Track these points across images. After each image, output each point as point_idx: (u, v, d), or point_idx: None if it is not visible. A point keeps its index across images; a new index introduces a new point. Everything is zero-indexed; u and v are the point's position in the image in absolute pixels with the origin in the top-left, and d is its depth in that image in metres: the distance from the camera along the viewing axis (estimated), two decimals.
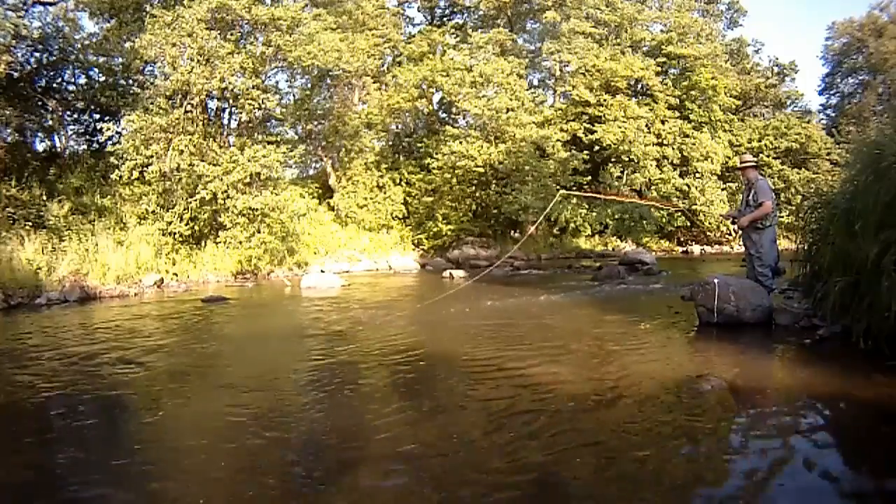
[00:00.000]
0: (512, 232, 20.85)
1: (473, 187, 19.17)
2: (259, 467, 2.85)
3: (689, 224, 22.58)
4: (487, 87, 19.51)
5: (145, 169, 12.36)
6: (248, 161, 12.87)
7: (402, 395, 4.14)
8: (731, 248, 21.93)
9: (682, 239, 23.54)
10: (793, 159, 25.78)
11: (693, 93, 23.90)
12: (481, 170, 18.39)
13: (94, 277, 10.44)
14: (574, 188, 18.70)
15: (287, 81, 19.14)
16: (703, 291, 5.82)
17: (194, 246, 13.17)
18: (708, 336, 5.54)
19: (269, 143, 14.04)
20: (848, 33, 33.28)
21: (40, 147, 15.19)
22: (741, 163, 6.75)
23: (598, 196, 18.90)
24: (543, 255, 19.06)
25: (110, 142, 14.02)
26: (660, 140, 22.67)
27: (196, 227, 13.20)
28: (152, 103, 12.81)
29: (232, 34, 13.81)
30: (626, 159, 22.16)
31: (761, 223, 6.24)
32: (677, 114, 23.60)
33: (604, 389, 3.89)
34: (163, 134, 12.59)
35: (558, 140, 20.30)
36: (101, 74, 15.24)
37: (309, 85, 18.99)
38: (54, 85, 14.67)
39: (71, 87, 15.10)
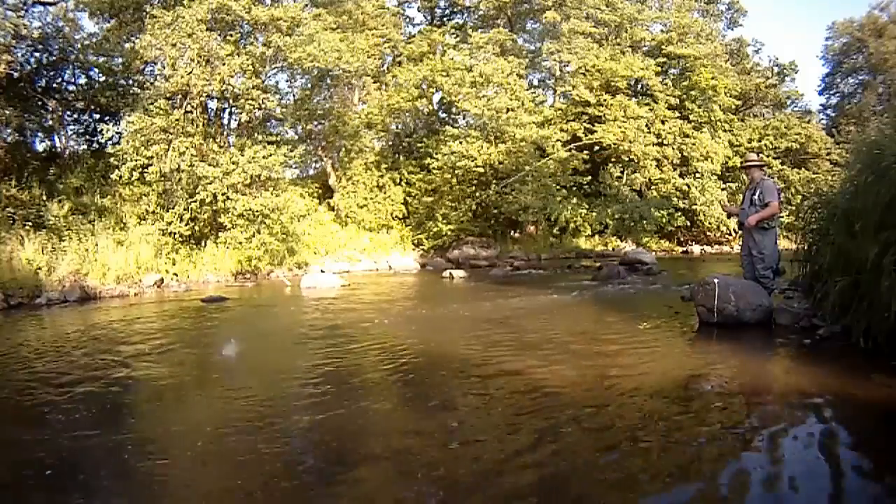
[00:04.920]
0: (512, 232, 20.86)
1: (473, 187, 19.18)
2: (259, 466, 2.85)
3: (689, 224, 22.57)
4: (487, 87, 19.51)
5: (145, 170, 12.36)
6: (249, 163, 12.87)
7: (402, 394, 4.14)
8: (731, 248, 21.92)
9: (682, 239, 23.52)
10: (793, 159, 25.77)
11: (693, 93, 23.90)
12: (481, 170, 18.39)
13: (94, 277, 10.44)
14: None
15: (287, 81, 19.16)
16: (703, 291, 5.82)
17: (194, 246, 13.17)
18: (708, 336, 5.54)
19: (269, 143, 14.03)
20: (848, 33, 33.27)
21: (40, 147, 15.19)
22: (746, 161, 6.74)
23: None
24: (543, 254, 19.05)
25: (110, 142, 14.02)
26: (660, 140, 22.66)
27: (196, 228, 13.20)
28: (152, 104, 12.81)
29: (232, 35, 13.81)
30: (626, 159, 22.16)
31: (767, 223, 6.22)
32: (677, 114, 23.59)
33: (603, 389, 3.89)
34: (163, 135, 12.59)
35: (558, 140, 20.30)
36: (101, 74, 15.21)
37: (309, 85, 18.98)
38: (54, 85, 14.65)
39: (71, 87, 15.08)
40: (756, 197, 6.23)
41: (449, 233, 18.52)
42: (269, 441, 3.15)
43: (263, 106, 13.96)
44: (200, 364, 5.04)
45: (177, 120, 12.87)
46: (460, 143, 18.41)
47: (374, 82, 21.82)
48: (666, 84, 23.94)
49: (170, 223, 12.72)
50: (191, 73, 12.60)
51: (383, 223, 19.04)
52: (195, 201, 12.70)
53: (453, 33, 24.07)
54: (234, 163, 12.83)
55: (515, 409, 3.57)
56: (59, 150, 15.17)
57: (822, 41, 41.04)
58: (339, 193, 19.05)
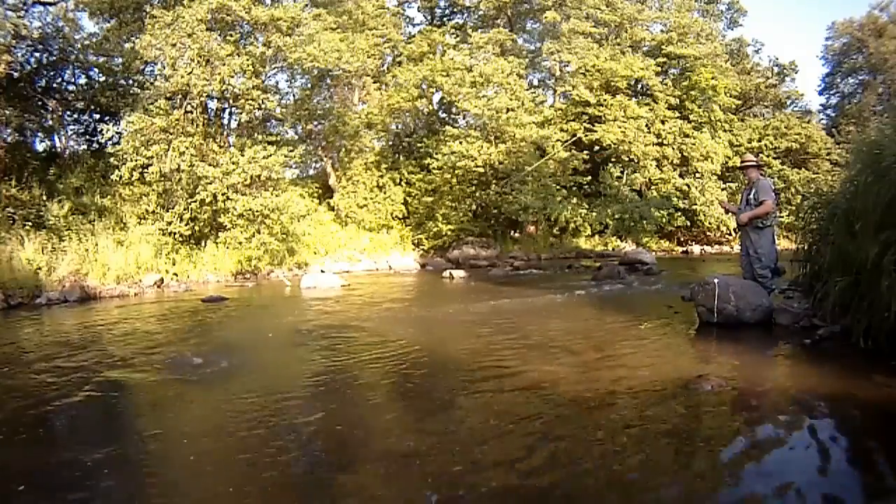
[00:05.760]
0: (512, 232, 20.86)
1: (473, 187, 19.18)
2: (259, 467, 2.85)
3: (689, 224, 22.57)
4: (487, 87, 19.50)
5: (145, 170, 12.36)
6: (249, 163, 12.87)
7: (402, 394, 4.14)
8: (731, 248, 21.92)
9: (682, 239, 23.52)
10: (793, 159, 25.77)
11: (693, 93, 23.89)
12: (481, 170, 18.39)
13: (94, 277, 10.44)
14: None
15: (287, 81, 19.16)
16: (703, 291, 5.82)
17: (194, 246, 13.17)
18: (708, 336, 5.54)
19: (269, 143, 14.03)
20: (848, 33, 33.26)
21: (40, 147, 15.21)
22: (743, 162, 6.78)
23: None
24: (543, 254, 19.05)
25: (110, 142, 14.02)
26: (660, 140, 22.65)
27: (196, 228, 13.20)
28: (152, 104, 12.81)
29: (232, 35, 13.81)
30: (626, 159, 22.15)
31: (762, 222, 6.23)
32: (677, 114, 23.58)
33: (603, 389, 3.89)
34: (163, 135, 12.59)
35: (558, 140, 20.29)
36: (101, 74, 15.23)
37: (309, 85, 18.98)
38: (54, 85, 14.66)
39: (71, 87, 15.09)
40: (751, 196, 6.26)
41: (449, 233, 18.51)
42: (267, 443, 3.15)
43: (263, 106, 13.96)
44: (199, 364, 5.02)
45: (177, 120, 12.86)
46: (460, 143, 18.39)
47: (374, 82, 21.80)
48: (666, 84, 23.93)
49: (170, 223, 12.72)
50: (191, 73, 12.59)
51: (383, 223, 19.03)
52: (195, 201, 12.69)
53: (453, 33, 24.04)
54: (234, 163, 12.83)
55: (516, 410, 3.57)
56: (59, 150, 15.18)
57: (822, 41, 41.12)
58: (339, 193, 19.04)
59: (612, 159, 22.37)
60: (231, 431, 3.32)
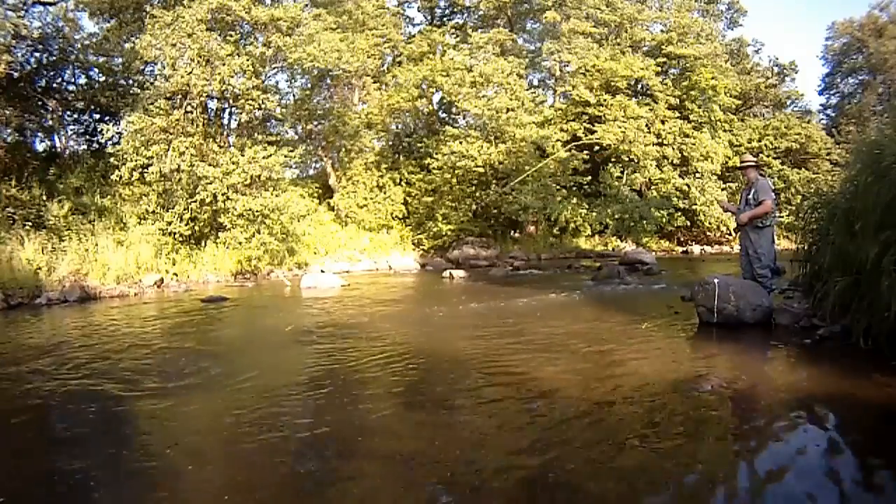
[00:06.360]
0: (512, 232, 20.86)
1: (473, 187, 19.18)
2: (260, 467, 2.85)
3: (689, 224, 22.57)
4: (487, 87, 19.51)
5: (145, 170, 12.36)
6: (249, 163, 12.87)
7: (401, 394, 4.14)
8: (731, 248, 21.90)
9: (682, 239, 23.51)
10: (793, 159, 25.76)
11: (693, 93, 23.87)
12: (481, 170, 18.39)
13: (94, 277, 10.44)
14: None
15: (287, 81, 19.18)
16: (703, 291, 5.82)
17: (194, 246, 13.17)
18: (708, 336, 5.53)
19: (269, 143, 14.04)
20: (848, 33, 33.24)
21: (40, 147, 15.22)
22: (742, 162, 6.79)
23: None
24: (543, 254, 19.06)
25: (110, 142, 14.03)
26: (660, 140, 22.64)
27: (196, 228, 13.21)
28: (152, 104, 12.81)
29: (232, 35, 13.82)
30: (626, 159, 22.15)
31: (761, 222, 6.24)
32: (677, 114, 23.56)
33: (603, 389, 3.89)
34: (163, 135, 12.60)
35: (558, 140, 20.29)
36: (101, 74, 15.25)
37: (309, 85, 19.00)
38: (54, 85, 14.67)
39: (71, 87, 15.10)
40: (751, 196, 6.28)
41: (449, 233, 18.52)
42: (268, 442, 3.15)
43: (263, 106, 13.97)
44: (199, 364, 5.02)
45: (177, 120, 12.87)
46: (460, 143, 18.40)
47: (374, 82, 21.81)
48: (666, 84, 23.91)
49: (170, 223, 12.72)
50: (191, 73, 12.60)
51: (383, 223, 19.04)
52: (195, 201, 12.70)
53: (453, 33, 24.05)
54: (234, 163, 12.84)
55: (515, 410, 3.57)
56: (59, 150, 15.19)
57: (822, 41, 41.10)
58: (339, 193, 19.05)
59: (612, 159, 22.36)
60: (230, 434, 3.31)
